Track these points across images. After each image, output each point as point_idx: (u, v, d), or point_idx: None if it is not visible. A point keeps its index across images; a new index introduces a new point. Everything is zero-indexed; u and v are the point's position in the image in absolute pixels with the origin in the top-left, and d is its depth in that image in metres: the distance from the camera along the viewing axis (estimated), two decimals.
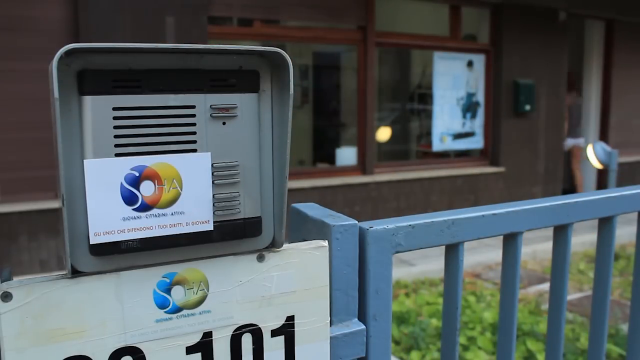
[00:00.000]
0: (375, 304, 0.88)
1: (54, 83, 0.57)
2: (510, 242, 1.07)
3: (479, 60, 6.74)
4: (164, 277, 0.69)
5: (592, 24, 7.97)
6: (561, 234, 1.14)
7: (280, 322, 0.78)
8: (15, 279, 0.63)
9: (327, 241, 0.81)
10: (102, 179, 0.62)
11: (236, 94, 0.68)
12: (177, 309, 0.70)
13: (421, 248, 0.94)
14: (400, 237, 0.90)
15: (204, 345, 0.73)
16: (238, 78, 0.69)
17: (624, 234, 6.21)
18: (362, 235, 0.87)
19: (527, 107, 6.85)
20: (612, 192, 1.18)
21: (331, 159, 6.36)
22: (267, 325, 0.77)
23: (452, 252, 1.00)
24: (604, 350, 1.24)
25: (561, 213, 1.10)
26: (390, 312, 0.91)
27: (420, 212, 5.47)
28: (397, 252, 0.91)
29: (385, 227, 0.89)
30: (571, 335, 3.55)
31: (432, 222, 0.94)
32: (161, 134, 0.65)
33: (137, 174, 0.64)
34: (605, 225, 1.21)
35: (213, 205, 0.68)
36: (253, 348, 0.76)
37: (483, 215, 0.99)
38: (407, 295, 4.40)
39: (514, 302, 1.08)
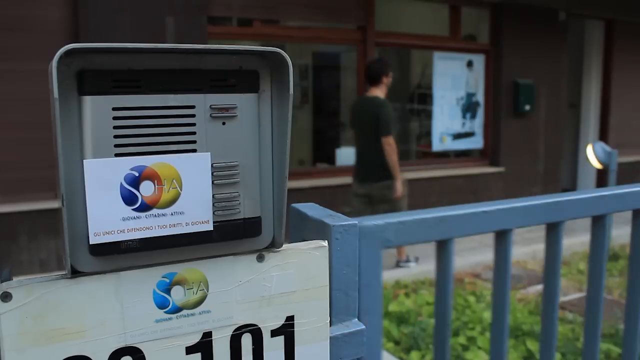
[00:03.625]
0: (365, 298, 0.89)
1: (53, 83, 0.57)
2: (501, 239, 1.07)
3: (479, 60, 6.74)
4: (163, 277, 0.69)
5: (592, 24, 7.97)
6: (553, 231, 1.14)
7: (280, 322, 0.78)
8: (15, 279, 0.63)
9: (326, 241, 0.81)
10: (101, 179, 0.62)
11: (236, 94, 0.68)
12: (177, 309, 0.71)
13: (411, 244, 0.95)
14: (390, 232, 0.91)
15: (204, 345, 0.73)
16: (238, 78, 0.69)
17: (624, 234, 6.21)
18: None
19: (527, 107, 6.85)
20: (605, 191, 1.18)
21: (331, 159, 6.36)
22: (267, 325, 0.77)
23: (442, 248, 1.01)
24: (598, 348, 1.25)
25: (552, 211, 1.10)
26: (381, 307, 0.91)
27: None
28: (387, 247, 0.92)
29: (375, 223, 0.90)
30: (571, 335, 3.55)
31: (422, 218, 0.95)
32: (161, 134, 0.65)
33: (137, 174, 0.64)
34: (599, 224, 1.21)
35: (213, 205, 0.69)
36: (253, 348, 0.76)
37: (473, 213, 1.00)
38: (407, 295, 4.40)
39: (505, 299, 1.09)
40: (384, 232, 0.90)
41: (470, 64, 6.67)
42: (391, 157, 4.45)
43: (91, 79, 0.61)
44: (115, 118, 0.62)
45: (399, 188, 4.53)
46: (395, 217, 0.93)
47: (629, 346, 1.32)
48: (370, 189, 4.59)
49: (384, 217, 0.92)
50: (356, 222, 0.86)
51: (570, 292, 4.44)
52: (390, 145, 4.44)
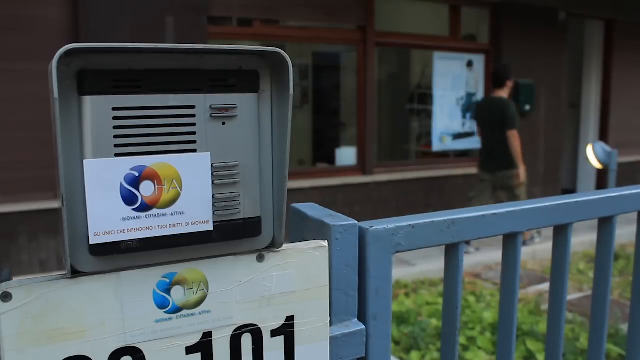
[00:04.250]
0: (375, 304, 0.88)
1: (53, 83, 0.57)
2: (510, 241, 1.07)
3: (479, 60, 6.74)
4: (163, 277, 0.69)
5: (592, 24, 7.96)
6: (561, 233, 1.14)
7: (280, 322, 0.78)
8: (15, 279, 0.63)
9: (326, 241, 0.81)
10: (101, 179, 0.62)
11: (236, 94, 0.68)
12: (177, 309, 0.71)
13: (421, 248, 0.94)
14: (400, 236, 0.90)
15: (204, 345, 0.73)
16: (238, 78, 0.69)
17: (624, 234, 6.20)
18: (362, 235, 0.87)
19: (527, 107, 6.85)
20: (612, 192, 1.18)
21: (331, 159, 6.36)
22: (267, 325, 0.77)
23: (452, 252, 1.00)
24: (604, 350, 1.24)
25: (561, 213, 1.10)
26: (390, 312, 0.91)
27: (420, 212, 5.45)
28: (397, 251, 0.91)
29: (385, 227, 0.89)
30: (571, 335, 3.55)
31: (432, 221, 0.94)
32: (161, 134, 0.65)
33: (137, 174, 0.64)
34: (605, 225, 1.21)
35: (213, 205, 0.69)
36: (253, 348, 0.76)
37: (483, 215, 1.00)
38: (407, 295, 4.40)
39: (514, 302, 1.08)
40: (394, 236, 0.89)
41: (470, 64, 6.67)
42: (516, 147, 5.24)
43: (91, 79, 0.61)
44: (115, 118, 0.62)
45: (523, 174, 5.35)
46: (406, 221, 0.92)
47: (633, 349, 1.32)
48: (494, 177, 5.39)
49: (394, 220, 0.91)
50: (356, 222, 0.86)
51: (570, 292, 4.44)
52: (515, 137, 5.22)
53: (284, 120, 0.71)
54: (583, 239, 5.65)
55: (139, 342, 0.69)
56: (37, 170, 4.30)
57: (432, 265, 4.94)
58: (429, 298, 4.24)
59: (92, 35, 4.43)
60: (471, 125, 6.76)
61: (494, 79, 5.41)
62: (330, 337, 0.83)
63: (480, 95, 6.78)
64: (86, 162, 0.62)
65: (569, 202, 1.11)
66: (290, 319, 0.78)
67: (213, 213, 0.69)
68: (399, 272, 4.81)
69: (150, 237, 0.65)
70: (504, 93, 5.34)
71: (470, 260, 5.15)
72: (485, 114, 5.42)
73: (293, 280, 0.78)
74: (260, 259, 0.75)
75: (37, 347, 0.63)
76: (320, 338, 0.81)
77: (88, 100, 0.61)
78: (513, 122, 5.19)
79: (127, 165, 0.63)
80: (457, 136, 6.69)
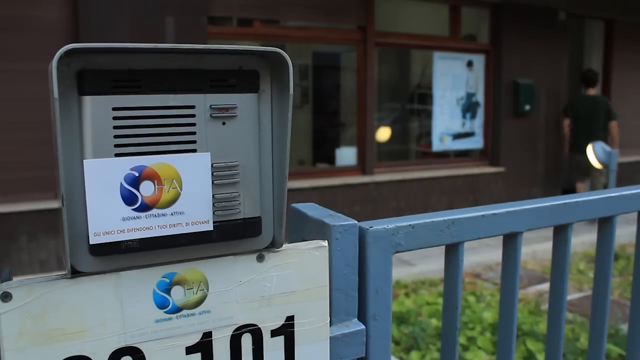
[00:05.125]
0: (375, 304, 0.88)
1: (53, 83, 0.57)
2: (510, 242, 1.07)
3: (479, 60, 6.74)
4: (163, 277, 0.69)
5: (592, 24, 7.96)
6: (561, 233, 1.14)
7: (280, 322, 0.78)
8: (15, 279, 0.63)
9: (326, 241, 0.81)
10: (101, 179, 0.62)
11: (236, 94, 0.68)
12: (177, 309, 0.71)
13: (421, 248, 0.94)
14: (400, 237, 0.90)
15: (204, 345, 0.73)
16: (238, 78, 0.69)
17: (624, 234, 6.20)
18: (362, 235, 0.87)
19: (527, 107, 6.85)
20: (612, 192, 1.18)
21: (331, 159, 6.36)
22: (267, 325, 0.77)
23: (452, 252, 1.00)
24: (604, 350, 1.24)
25: (561, 213, 1.10)
26: (390, 312, 0.91)
27: (420, 212, 5.46)
28: (397, 252, 0.91)
29: (385, 227, 0.89)
30: (571, 335, 3.55)
31: (432, 222, 0.94)
32: (161, 134, 0.65)
33: (137, 174, 0.64)
34: (605, 225, 1.21)
35: (213, 205, 0.69)
36: (253, 348, 0.76)
37: (483, 215, 1.00)
38: (407, 295, 4.40)
39: (514, 302, 1.08)
40: (394, 236, 0.89)
41: (470, 64, 6.67)
42: (617, 135, 6.55)
43: (91, 79, 0.61)
44: (115, 118, 0.62)
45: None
46: (406, 221, 0.92)
47: (633, 349, 1.32)
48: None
49: (394, 220, 0.91)
50: (356, 222, 0.86)
51: (570, 292, 4.44)
52: (617, 126, 6.52)
53: (284, 120, 0.71)
54: (583, 239, 5.65)
55: (139, 342, 0.69)
56: (37, 170, 4.29)
57: (432, 265, 4.94)
58: (429, 298, 4.24)
59: (92, 35, 4.43)
60: (471, 125, 6.77)
61: (587, 80, 6.52)
62: (330, 337, 0.83)
63: (480, 95, 6.79)
64: (86, 162, 0.62)
65: (569, 202, 1.11)
66: (290, 319, 0.78)
67: (213, 213, 0.69)
68: (399, 272, 4.81)
69: (150, 237, 0.66)
70: (594, 91, 6.52)
71: (470, 260, 5.14)
72: (588, 108, 6.47)
73: (293, 280, 0.78)
74: (260, 259, 0.75)
75: (37, 347, 0.63)
76: (320, 338, 0.81)
77: (88, 100, 0.61)
78: (615, 114, 6.47)
79: (127, 165, 0.63)
80: (457, 136, 6.69)
